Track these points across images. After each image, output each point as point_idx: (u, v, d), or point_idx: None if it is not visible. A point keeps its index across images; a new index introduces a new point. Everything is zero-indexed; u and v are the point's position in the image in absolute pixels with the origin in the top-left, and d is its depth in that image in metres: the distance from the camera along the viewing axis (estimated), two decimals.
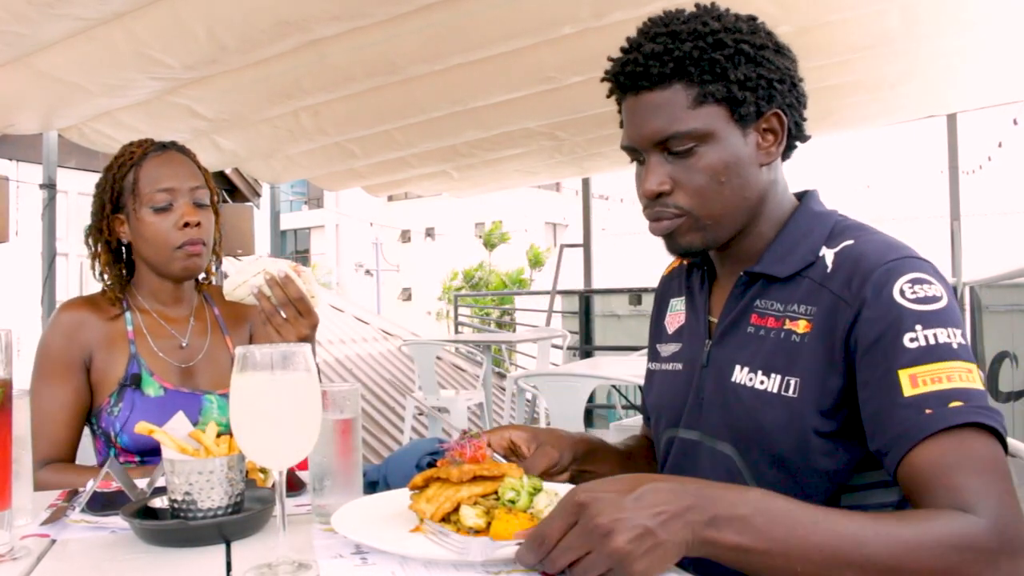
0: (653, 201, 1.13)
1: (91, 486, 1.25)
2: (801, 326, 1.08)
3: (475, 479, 1.00)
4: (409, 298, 34.57)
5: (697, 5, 1.16)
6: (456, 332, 10.38)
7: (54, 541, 1.09)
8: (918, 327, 0.97)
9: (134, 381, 1.66)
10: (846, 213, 1.20)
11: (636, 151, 1.15)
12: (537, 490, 0.99)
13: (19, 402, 1.14)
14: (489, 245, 27.40)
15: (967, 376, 0.94)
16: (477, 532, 0.97)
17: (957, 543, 0.84)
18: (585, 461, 1.26)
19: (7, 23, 2.41)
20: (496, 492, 1.00)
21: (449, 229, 31.61)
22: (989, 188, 10.84)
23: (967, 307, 4.96)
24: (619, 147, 1.18)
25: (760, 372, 1.10)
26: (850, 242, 1.10)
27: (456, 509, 0.98)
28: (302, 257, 36.75)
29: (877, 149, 20.39)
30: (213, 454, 1.10)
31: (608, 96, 1.19)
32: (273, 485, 1.18)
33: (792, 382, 1.07)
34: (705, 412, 1.18)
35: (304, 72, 3.12)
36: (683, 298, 1.30)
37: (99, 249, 1.77)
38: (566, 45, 3.05)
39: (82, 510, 1.19)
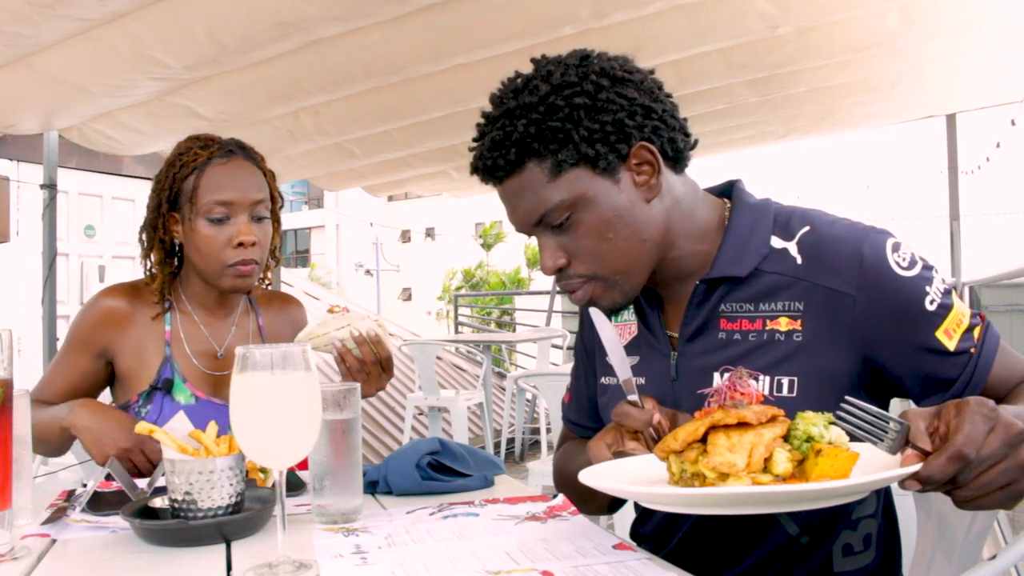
0: (559, 274, 1.13)
1: (91, 486, 1.26)
2: (783, 323, 1.08)
3: (771, 420, 0.88)
4: (409, 298, 34.58)
5: (533, 60, 1.13)
6: (456, 332, 10.38)
7: (54, 541, 1.09)
8: (927, 288, 1.05)
9: (166, 386, 1.65)
10: (781, 201, 1.19)
11: (528, 233, 1.15)
12: (831, 422, 0.88)
13: (19, 402, 1.15)
14: (486, 245, 27.43)
15: (963, 305, 1.07)
16: (785, 480, 0.87)
17: None
18: None
19: (8, 23, 2.42)
20: (787, 433, 0.88)
21: (449, 229, 31.61)
22: (988, 188, 10.84)
23: None
24: None
25: (747, 376, 1.09)
26: (807, 229, 1.11)
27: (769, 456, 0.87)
28: (302, 257, 36.77)
29: (877, 149, 20.41)
30: (213, 454, 1.10)
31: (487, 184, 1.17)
32: (273, 485, 1.18)
33: (786, 382, 1.07)
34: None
35: (304, 73, 3.12)
36: (630, 308, 1.26)
37: (152, 246, 1.71)
38: (566, 45, 3.03)
39: (82, 510, 1.19)
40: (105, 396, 1.76)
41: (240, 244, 1.62)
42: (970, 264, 5.11)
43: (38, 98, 3.12)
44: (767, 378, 1.08)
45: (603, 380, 1.32)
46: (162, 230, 1.68)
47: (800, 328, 1.07)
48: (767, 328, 1.09)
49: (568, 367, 1.59)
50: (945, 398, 1.04)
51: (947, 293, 1.06)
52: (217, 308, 1.75)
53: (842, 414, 0.88)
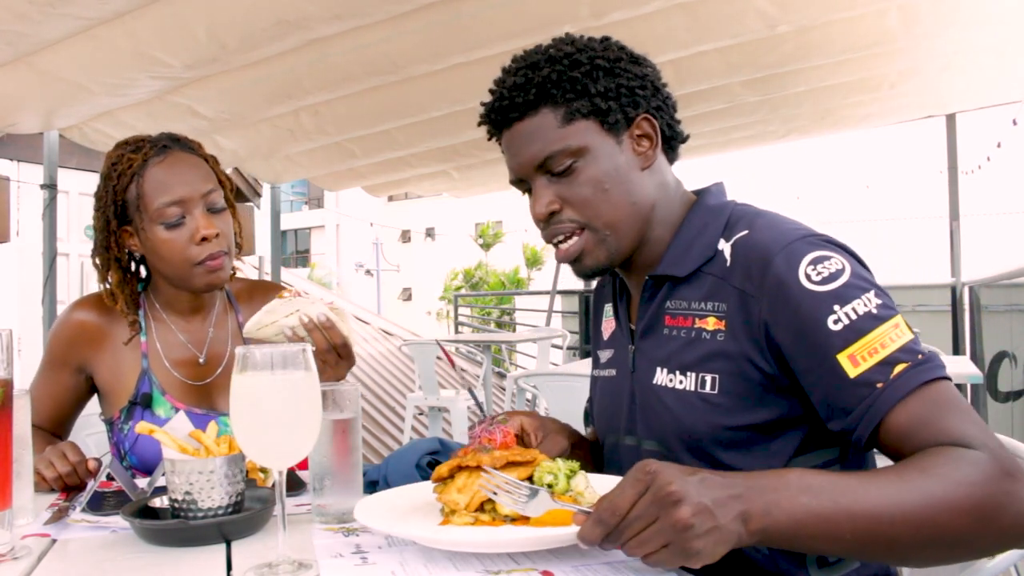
0: (547, 223, 1.17)
1: (91, 486, 1.26)
2: (710, 323, 1.10)
3: (508, 465, 0.98)
4: (409, 298, 34.58)
5: (554, 39, 1.20)
6: (456, 332, 10.38)
7: (55, 541, 1.09)
8: (836, 307, 0.99)
9: (144, 401, 1.59)
10: (747, 201, 1.21)
11: (523, 181, 1.19)
12: (574, 472, 0.98)
13: (19, 402, 1.15)
14: (486, 245, 27.45)
15: (896, 333, 0.98)
16: (514, 520, 0.96)
17: (977, 479, 0.88)
18: (571, 452, 1.28)
19: (8, 22, 2.42)
20: (530, 477, 0.98)
21: (449, 229, 31.61)
22: (988, 188, 10.84)
23: (967, 307, 4.96)
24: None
25: (678, 372, 1.12)
26: (744, 232, 1.12)
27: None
28: (302, 257, 36.76)
29: (877, 149, 20.40)
30: (213, 454, 1.10)
31: (488, 138, 1.23)
32: (273, 485, 1.18)
33: (708, 379, 1.09)
34: (639, 417, 1.20)
35: (304, 72, 3.12)
36: (612, 303, 1.32)
37: (109, 269, 1.62)
38: None
39: (83, 510, 1.19)
40: (94, 405, 1.73)
41: (204, 239, 1.54)
42: (970, 264, 5.11)
43: (39, 97, 3.12)
44: (693, 375, 1.10)
45: (593, 372, 1.37)
46: (116, 248, 1.60)
47: (724, 328, 1.09)
48: (696, 326, 1.12)
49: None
50: (841, 427, 1.00)
51: (871, 317, 0.98)
52: (192, 313, 1.67)
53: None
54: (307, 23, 2.61)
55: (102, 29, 2.59)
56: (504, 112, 1.16)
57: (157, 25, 2.59)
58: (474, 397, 1.29)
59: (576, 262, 1.19)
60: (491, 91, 1.20)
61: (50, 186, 3.83)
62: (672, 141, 1.21)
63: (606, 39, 1.19)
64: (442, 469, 1.01)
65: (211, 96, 3.27)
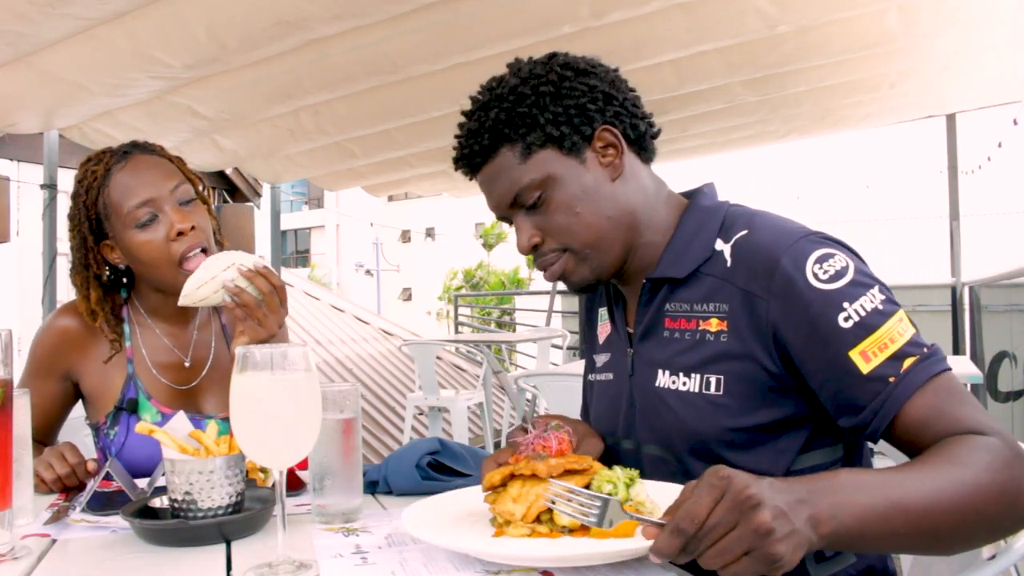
0: (535, 252, 1.20)
1: (91, 486, 1.26)
2: (713, 324, 1.11)
3: (565, 473, 0.94)
4: (409, 298, 34.57)
5: (508, 66, 1.21)
6: (456, 332, 10.38)
7: (55, 541, 1.10)
8: (845, 304, 1.01)
9: (130, 406, 1.59)
10: (740, 202, 1.21)
11: (506, 217, 1.21)
12: (633, 480, 0.94)
13: (19, 402, 1.15)
14: (487, 245, 27.44)
15: (902, 327, 1.01)
16: (572, 532, 0.92)
17: (997, 464, 0.91)
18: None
19: (8, 22, 2.41)
20: (587, 486, 0.94)
21: (449, 229, 31.61)
22: (989, 188, 10.83)
23: (967, 307, 4.96)
24: None
25: (681, 374, 1.12)
26: (744, 232, 1.12)
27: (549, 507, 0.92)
28: (302, 257, 36.76)
29: (877, 149, 20.39)
30: (213, 454, 1.10)
31: (468, 179, 1.24)
32: (273, 485, 1.18)
33: (713, 380, 1.09)
34: (638, 421, 1.20)
35: (304, 72, 3.12)
36: (607, 307, 1.33)
37: (88, 287, 1.61)
38: (565, 44, 3.03)
39: (83, 510, 1.19)
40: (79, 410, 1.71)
41: (180, 233, 1.53)
42: (970, 264, 5.11)
43: (38, 97, 3.12)
44: (697, 376, 1.11)
45: (589, 376, 1.37)
46: (95, 265, 1.61)
47: (727, 329, 1.09)
48: (699, 328, 1.12)
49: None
50: (854, 423, 1.01)
51: (878, 313, 1.00)
52: (177, 317, 1.66)
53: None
54: (307, 23, 2.61)
55: (102, 29, 2.59)
56: (469, 159, 1.18)
57: (157, 25, 2.59)
58: (528, 414, 1.27)
59: (564, 279, 1.20)
60: (456, 136, 1.21)
61: (50, 186, 3.83)
62: (641, 140, 1.20)
63: (551, 57, 1.18)
64: (494, 477, 0.96)
65: (211, 96, 3.26)
